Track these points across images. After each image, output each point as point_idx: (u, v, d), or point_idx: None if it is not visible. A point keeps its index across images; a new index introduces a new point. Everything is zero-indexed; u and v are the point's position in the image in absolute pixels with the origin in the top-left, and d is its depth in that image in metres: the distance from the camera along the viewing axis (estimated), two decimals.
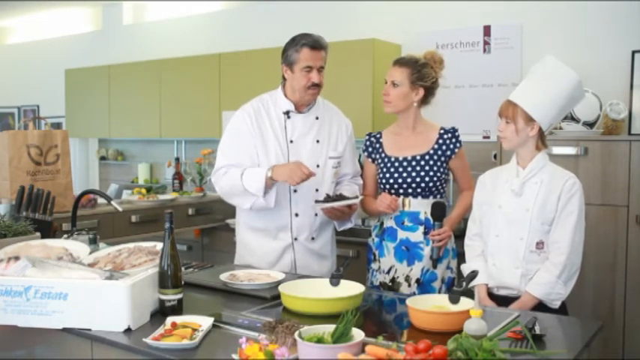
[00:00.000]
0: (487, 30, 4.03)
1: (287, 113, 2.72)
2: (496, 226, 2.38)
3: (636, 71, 3.53)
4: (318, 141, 2.73)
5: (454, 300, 1.90)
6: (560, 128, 3.46)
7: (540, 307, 2.25)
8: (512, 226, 2.34)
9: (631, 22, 3.59)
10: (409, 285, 2.65)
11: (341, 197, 2.61)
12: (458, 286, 1.94)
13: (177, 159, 4.87)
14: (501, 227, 2.36)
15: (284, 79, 2.74)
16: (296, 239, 2.72)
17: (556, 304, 2.26)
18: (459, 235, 2.67)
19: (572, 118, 3.43)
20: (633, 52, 3.55)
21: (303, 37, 2.63)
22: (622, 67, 3.59)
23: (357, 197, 2.65)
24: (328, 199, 2.61)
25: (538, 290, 2.25)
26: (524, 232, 2.31)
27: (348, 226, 2.82)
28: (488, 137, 4.01)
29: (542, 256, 2.30)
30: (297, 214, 2.70)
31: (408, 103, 2.70)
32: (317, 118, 2.75)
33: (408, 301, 1.87)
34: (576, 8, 3.75)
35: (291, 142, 2.70)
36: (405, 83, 2.67)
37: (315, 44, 2.61)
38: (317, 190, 2.70)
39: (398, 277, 2.68)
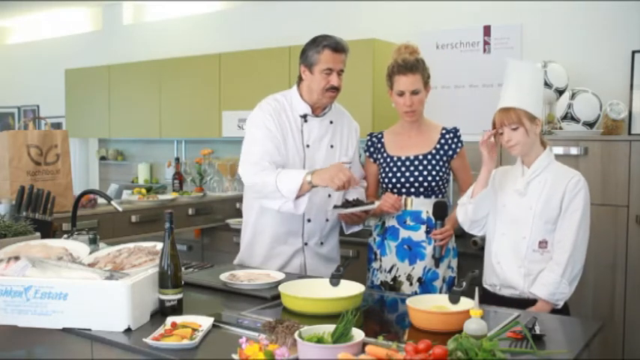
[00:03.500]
0: (487, 30, 4.03)
1: (304, 117, 2.67)
2: (501, 226, 2.38)
3: (636, 71, 3.53)
4: (332, 146, 2.71)
5: (454, 300, 1.90)
6: (560, 128, 3.46)
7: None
8: (516, 225, 2.34)
9: (631, 22, 3.59)
10: (411, 284, 2.65)
11: (358, 202, 2.59)
12: (458, 286, 1.94)
13: (177, 159, 4.87)
14: (506, 226, 2.36)
15: (300, 79, 2.68)
16: (306, 244, 2.71)
17: (560, 304, 2.26)
18: (460, 234, 2.67)
19: (572, 118, 3.43)
20: (633, 52, 3.55)
21: (324, 39, 2.58)
22: (622, 67, 3.59)
23: (373, 203, 2.61)
24: (347, 204, 2.58)
25: (543, 291, 2.25)
26: (526, 231, 2.32)
27: (356, 229, 2.80)
28: None
29: (545, 256, 2.30)
30: (309, 220, 2.68)
31: (424, 104, 2.70)
32: (331, 123, 2.72)
33: (408, 301, 1.87)
34: (576, 8, 3.75)
35: (308, 146, 2.66)
36: (422, 87, 2.64)
37: (337, 46, 2.57)
38: (329, 195, 2.69)
39: (399, 276, 2.68)
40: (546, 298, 2.24)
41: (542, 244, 2.30)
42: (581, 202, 2.29)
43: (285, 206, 2.48)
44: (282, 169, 2.51)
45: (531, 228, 2.31)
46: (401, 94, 2.63)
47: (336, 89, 2.61)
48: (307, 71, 2.62)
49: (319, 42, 2.58)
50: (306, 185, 2.42)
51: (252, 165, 2.56)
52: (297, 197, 2.45)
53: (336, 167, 2.41)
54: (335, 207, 2.59)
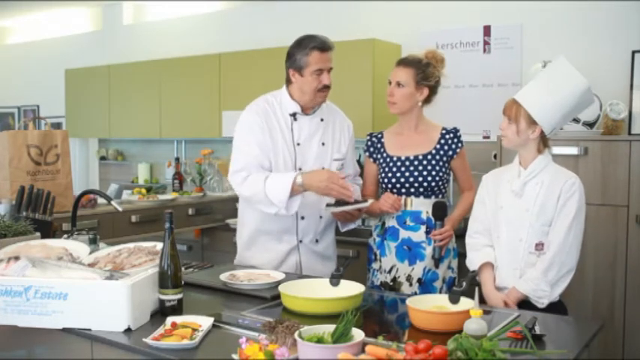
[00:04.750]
0: (487, 30, 4.03)
1: (294, 115, 2.68)
2: (498, 228, 2.37)
3: (636, 71, 3.53)
4: (323, 143, 2.71)
5: (454, 300, 1.90)
6: (561, 128, 3.46)
7: (533, 307, 2.24)
8: (512, 227, 2.33)
9: (631, 22, 3.59)
10: (410, 284, 2.65)
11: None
12: (458, 286, 1.94)
13: (177, 159, 4.87)
14: (503, 228, 2.36)
15: (288, 81, 2.69)
16: (301, 242, 2.72)
17: (542, 303, 2.24)
18: (460, 234, 2.67)
19: (572, 118, 3.43)
20: (633, 52, 3.55)
21: (311, 40, 2.58)
22: (622, 67, 3.59)
23: (366, 201, 2.63)
24: (339, 202, 2.59)
25: (523, 286, 2.25)
26: (523, 233, 2.31)
27: (352, 227, 2.81)
28: (488, 137, 4.01)
29: (541, 258, 2.29)
30: (303, 217, 2.68)
31: (413, 103, 2.70)
32: (322, 120, 2.73)
33: (408, 301, 1.87)
34: (576, 8, 3.75)
35: (298, 144, 2.67)
36: (411, 84, 2.66)
37: (324, 46, 2.58)
38: None
39: (399, 276, 2.68)
40: (527, 293, 2.24)
41: (539, 246, 2.29)
42: (575, 204, 2.27)
43: (280, 212, 2.55)
44: (270, 175, 2.55)
45: (528, 230, 2.30)
46: (389, 82, 2.70)
47: (327, 88, 2.63)
48: (297, 74, 2.62)
49: (306, 44, 2.58)
50: (297, 188, 2.49)
51: (235, 174, 2.64)
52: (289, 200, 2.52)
53: (329, 175, 2.46)
54: (327, 205, 2.60)
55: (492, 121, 3.90)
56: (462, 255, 2.81)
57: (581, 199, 2.29)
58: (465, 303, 1.88)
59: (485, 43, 4.04)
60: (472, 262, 2.41)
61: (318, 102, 2.67)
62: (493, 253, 2.38)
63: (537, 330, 1.74)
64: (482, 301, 2.33)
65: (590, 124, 3.43)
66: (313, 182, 2.48)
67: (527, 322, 1.77)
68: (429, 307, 1.86)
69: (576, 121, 3.42)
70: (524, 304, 2.26)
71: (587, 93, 2.29)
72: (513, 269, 2.31)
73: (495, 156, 3.60)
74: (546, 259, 2.24)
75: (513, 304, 2.25)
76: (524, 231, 2.30)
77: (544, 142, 2.33)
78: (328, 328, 1.55)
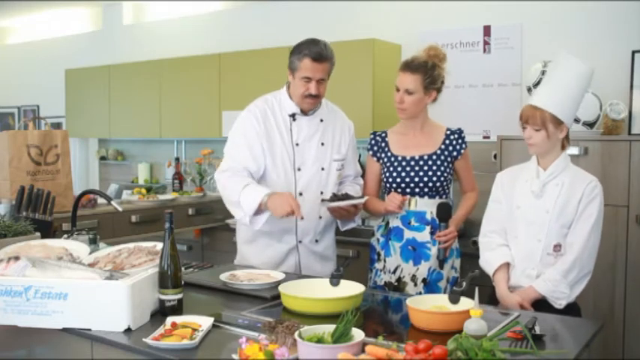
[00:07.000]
0: (487, 30, 4.03)
1: (293, 116, 2.69)
2: (515, 227, 2.37)
3: (636, 71, 3.53)
4: (323, 144, 2.72)
5: (454, 300, 1.90)
6: None
7: (548, 307, 2.24)
8: (531, 227, 2.32)
9: (631, 22, 3.59)
10: (415, 284, 2.65)
11: (347, 197, 2.61)
12: (458, 286, 1.94)
13: (177, 159, 4.87)
14: (520, 228, 2.35)
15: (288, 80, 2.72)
16: (300, 242, 2.72)
17: (560, 304, 2.24)
18: (462, 235, 2.67)
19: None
20: (633, 52, 3.54)
21: (307, 47, 2.57)
22: (622, 67, 3.59)
23: (362, 197, 2.65)
24: (334, 198, 2.60)
25: (542, 287, 2.25)
26: (542, 234, 2.30)
27: (352, 225, 2.82)
28: (488, 137, 4.00)
29: (558, 259, 2.29)
30: (302, 217, 2.69)
31: (422, 107, 2.70)
32: (321, 121, 2.74)
33: (408, 301, 1.87)
34: (576, 8, 3.75)
35: (297, 144, 2.68)
36: (419, 89, 2.63)
37: (317, 56, 2.55)
38: (322, 192, 2.71)
39: (404, 276, 2.67)
40: (545, 294, 2.24)
41: (557, 247, 2.29)
42: (597, 207, 2.27)
43: (244, 219, 2.59)
44: (250, 184, 2.58)
45: (547, 231, 2.29)
46: (397, 89, 2.67)
47: (315, 97, 2.62)
48: (291, 75, 2.65)
49: (302, 49, 2.59)
50: (263, 206, 2.53)
51: (220, 174, 2.68)
52: (257, 213, 2.56)
53: (283, 198, 2.47)
54: (322, 200, 2.61)
55: (492, 121, 3.90)
56: (464, 255, 2.81)
57: (601, 202, 2.30)
58: (465, 303, 1.88)
59: (486, 43, 4.03)
60: (488, 262, 2.40)
61: (305, 107, 2.68)
62: (510, 253, 2.37)
63: (537, 330, 1.74)
64: (494, 302, 2.33)
65: (590, 124, 3.43)
66: (273, 201, 2.48)
67: (527, 322, 1.77)
68: (429, 307, 1.86)
69: (576, 121, 3.42)
70: (540, 305, 2.25)
71: (590, 76, 2.34)
72: (531, 269, 2.31)
73: (495, 156, 3.60)
74: (568, 260, 2.24)
75: (528, 304, 2.25)
76: (543, 232, 2.29)
77: (567, 138, 2.34)
78: (328, 328, 1.55)
